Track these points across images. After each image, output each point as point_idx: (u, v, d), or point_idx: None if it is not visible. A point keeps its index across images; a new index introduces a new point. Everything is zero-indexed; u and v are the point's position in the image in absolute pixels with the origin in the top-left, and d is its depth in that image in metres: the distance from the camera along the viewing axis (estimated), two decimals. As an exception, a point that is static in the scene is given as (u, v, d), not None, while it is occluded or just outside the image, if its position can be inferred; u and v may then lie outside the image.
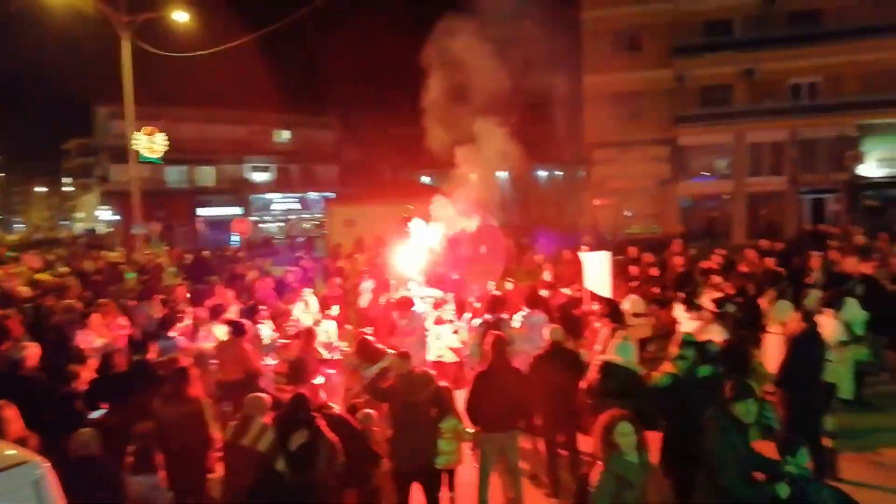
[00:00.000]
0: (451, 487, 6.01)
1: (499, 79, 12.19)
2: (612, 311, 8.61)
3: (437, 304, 9.40)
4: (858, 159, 27.63)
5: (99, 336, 8.20)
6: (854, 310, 8.13)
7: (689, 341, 5.69)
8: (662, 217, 30.50)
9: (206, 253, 21.73)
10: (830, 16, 28.19)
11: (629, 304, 9.59)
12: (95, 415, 6.09)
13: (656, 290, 11.04)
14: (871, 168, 28.02)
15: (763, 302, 8.73)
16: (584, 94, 30.40)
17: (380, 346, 6.96)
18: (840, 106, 27.70)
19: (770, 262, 12.16)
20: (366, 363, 6.72)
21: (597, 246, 11.24)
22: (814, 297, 8.59)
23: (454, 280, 11.67)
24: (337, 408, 5.91)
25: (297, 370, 7.11)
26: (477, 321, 8.39)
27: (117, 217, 44.50)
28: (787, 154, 29.09)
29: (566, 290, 10.31)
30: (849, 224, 21.42)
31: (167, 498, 5.24)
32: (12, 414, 4.83)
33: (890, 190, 28.37)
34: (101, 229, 52.28)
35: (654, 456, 5.42)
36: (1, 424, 4.69)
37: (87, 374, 6.67)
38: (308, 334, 8.02)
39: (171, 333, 8.42)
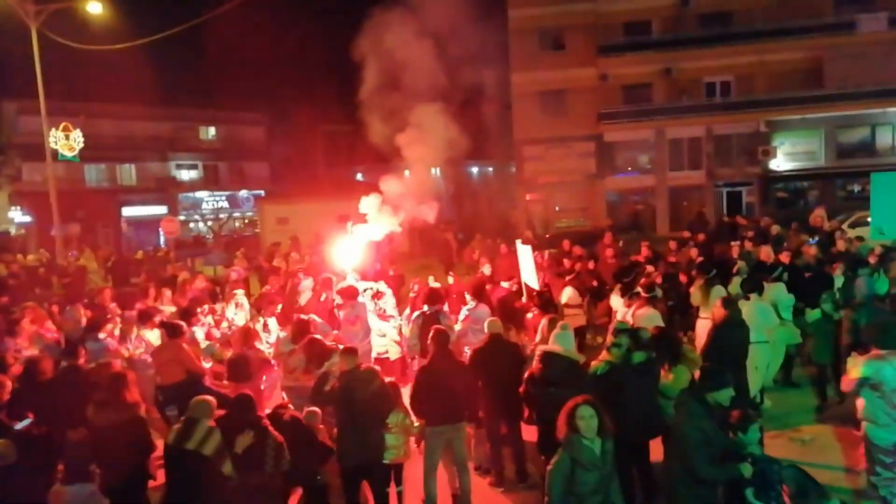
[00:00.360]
0: (399, 482, 6.06)
1: (429, 74, 12.32)
2: (542, 301, 9.02)
3: (376, 296, 9.49)
4: (769, 154, 29.46)
5: (30, 342, 7.90)
6: (781, 294, 8.56)
7: (622, 329, 5.91)
8: (590, 211, 31.55)
9: (139, 254, 20.94)
10: (740, 17, 29.78)
11: (565, 295, 9.98)
12: (21, 425, 5.86)
13: (593, 281, 11.56)
14: (781, 162, 29.93)
15: (693, 289, 9.14)
16: (513, 92, 31.03)
17: (328, 343, 6.94)
18: (751, 103, 29.36)
19: (693, 252, 12.93)
20: (314, 363, 6.64)
21: (525, 240, 11.63)
22: (736, 284, 9.16)
23: (391, 275, 11.82)
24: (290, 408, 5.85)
25: (239, 368, 7.02)
26: (416, 314, 8.49)
27: (29, 218, 42.00)
28: (704, 149, 30.63)
29: (505, 284, 10.61)
30: (762, 215, 22.82)
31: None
32: None
33: (798, 182, 30.42)
34: (13, 231, 49.18)
35: None
36: None
37: (10, 383, 6.35)
38: (246, 332, 7.89)
39: (99, 336, 8.17)
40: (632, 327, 6.30)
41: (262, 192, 42.05)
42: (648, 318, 7.49)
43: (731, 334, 6.55)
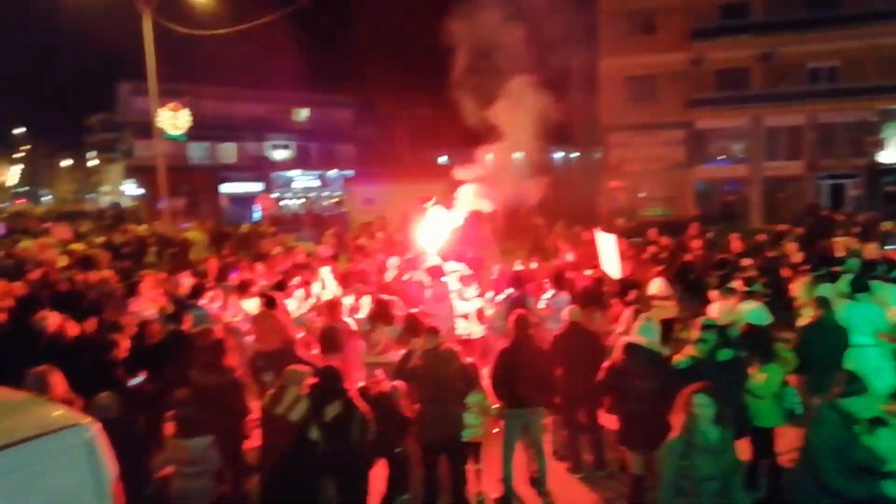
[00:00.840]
0: (478, 460, 6.25)
1: (517, 58, 12.32)
2: (625, 291, 8.88)
3: (463, 280, 9.73)
4: (878, 145, 27.37)
5: (147, 306, 8.65)
6: (893, 294, 7.84)
7: (709, 325, 5.77)
8: (677, 200, 30.49)
9: (245, 227, 22.09)
10: (851, -2, 27.78)
11: (654, 286, 9.61)
12: (133, 382, 6.46)
13: (690, 273, 11.13)
14: (891, 154, 27.76)
15: (796, 286, 8.65)
16: (601, 77, 30.30)
17: (397, 311, 7.09)
18: (860, 91, 27.32)
19: (791, 246, 12.31)
20: (380, 324, 6.87)
21: (612, 228, 11.45)
22: (845, 282, 8.66)
23: (475, 258, 12.00)
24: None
25: (329, 340, 7.44)
26: (501, 296, 8.59)
27: (142, 191, 45.17)
28: (805, 138, 28.86)
29: (588, 272, 10.53)
30: (869, 209, 21.38)
31: (219, 459, 5.45)
32: (56, 379, 5.12)
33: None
34: (126, 203, 53.19)
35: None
36: (45, 389, 4.94)
37: (126, 343, 6.92)
38: (332, 305, 8.24)
39: (201, 303, 8.81)
40: (720, 324, 6.09)
41: (351, 173, 43.33)
42: (753, 313, 7.08)
43: (820, 336, 6.29)
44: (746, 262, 10.75)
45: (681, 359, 5.76)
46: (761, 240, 13.53)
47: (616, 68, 29.82)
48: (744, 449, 5.60)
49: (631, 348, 5.46)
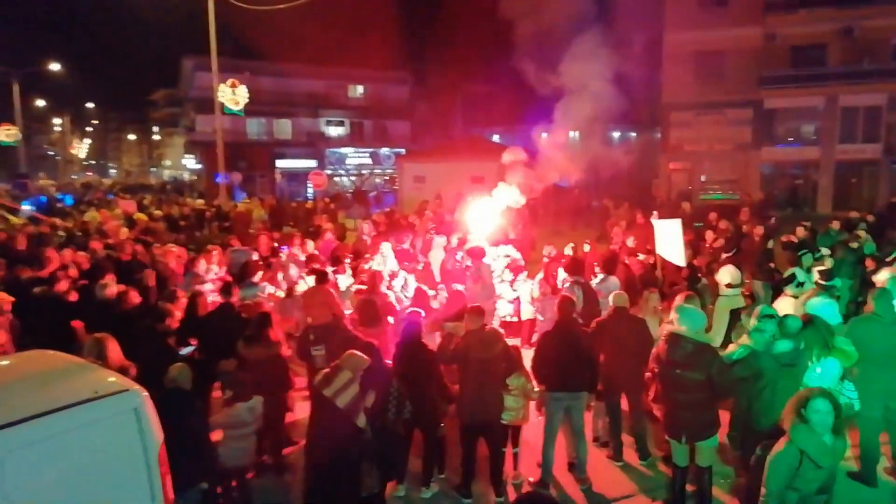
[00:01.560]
0: (516, 444, 6.20)
1: (576, 35, 11.97)
2: (688, 278, 8.54)
3: (513, 266, 9.60)
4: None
5: (204, 277, 8.93)
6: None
7: (767, 314, 5.53)
8: (741, 183, 29.30)
9: (310, 203, 22.42)
10: (946, -32, 25.70)
11: (726, 274, 9.23)
12: (185, 351, 6.63)
13: (770, 262, 10.58)
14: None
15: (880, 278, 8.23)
16: (665, 52, 29.15)
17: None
18: (948, 69, 25.52)
19: (861, 235, 11.62)
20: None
21: (670, 212, 11.06)
22: None
23: (524, 240, 11.84)
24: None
25: (366, 313, 7.51)
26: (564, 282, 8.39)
27: (200, 166, 46.50)
28: (884, 120, 27.15)
29: (641, 256, 10.26)
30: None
31: (259, 421, 5.62)
32: (113, 345, 5.29)
33: None
34: (186, 177, 54.93)
35: (722, 429, 5.46)
36: (103, 354, 5.13)
37: (179, 313, 7.09)
38: (373, 277, 8.35)
39: (254, 279, 8.96)
40: (779, 314, 5.75)
41: (403, 151, 43.42)
42: (822, 308, 6.55)
43: (874, 331, 5.87)
44: (825, 251, 10.19)
45: (734, 348, 5.56)
46: (835, 228, 12.78)
47: (681, 43, 28.60)
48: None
49: (673, 338, 5.24)
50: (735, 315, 8.30)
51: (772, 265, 10.50)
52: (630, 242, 10.90)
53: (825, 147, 28.14)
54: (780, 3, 27.52)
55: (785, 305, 7.31)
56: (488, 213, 11.02)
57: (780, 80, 27.95)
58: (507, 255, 9.91)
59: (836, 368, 5.49)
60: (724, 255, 10.15)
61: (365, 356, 5.25)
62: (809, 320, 5.77)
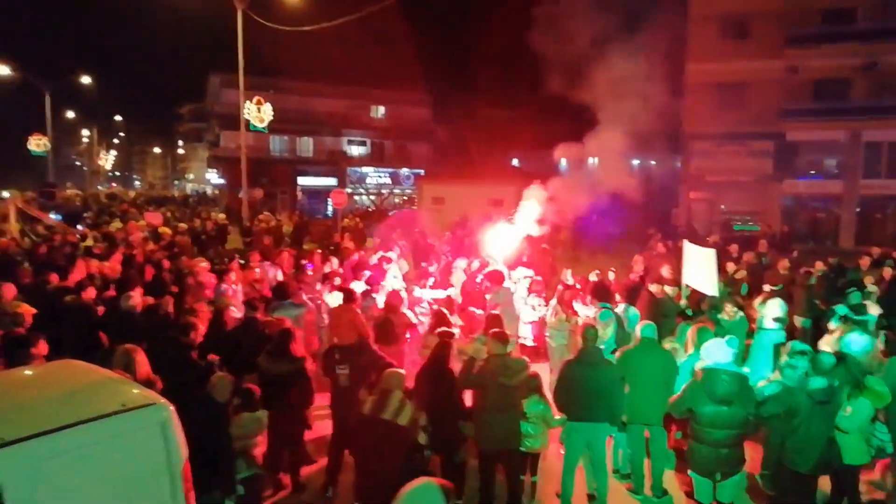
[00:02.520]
0: (534, 472, 6.13)
1: (600, 62, 12.07)
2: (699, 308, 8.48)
3: (533, 287, 9.55)
4: None
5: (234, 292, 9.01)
6: None
7: (800, 350, 5.45)
8: (762, 215, 29.06)
9: (346, 221, 22.51)
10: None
11: (774, 308, 9.11)
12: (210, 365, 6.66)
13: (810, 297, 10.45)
14: None
15: None
16: (686, 82, 29.19)
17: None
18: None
19: (887, 271, 11.47)
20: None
21: (698, 242, 10.93)
22: None
23: (544, 265, 11.80)
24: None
25: (384, 332, 7.56)
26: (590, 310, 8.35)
27: (223, 180, 47.07)
28: (909, 156, 26.92)
29: (653, 287, 10.10)
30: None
31: (264, 427, 5.68)
32: (141, 358, 5.35)
33: None
34: (209, 191, 55.60)
35: (754, 466, 5.43)
36: (131, 366, 5.19)
37: (202, 327, 7.14)
38: (392, 297, 8.37)
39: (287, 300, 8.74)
40: (812, 350, 5.71)
41: (422, 171, 43.70)
42: (859, 345, 6.49)
43: None
44: (871, 288, 10.06)
45: (765, 384, 5.44)
46: (864, 264, 12.59)
47: (703, 74, 28.63)
48: (826, 486, 5.27)
49: (712, 373, 5.13)
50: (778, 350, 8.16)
51: (816, 301, 10.34)
52: (666, 272, 10.62)
53: (848, 181, 27.88)
54: (802, 36, 27.49)
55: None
56: (508, 238, 11.02)
57: (802, 114, 27.81)
58: (528, 277, 9.88)
59: (868, 409, 5.39)
60: (769, 288, 10.01)
61: (402, 372, 5.28)
62: (842, 358, 5.69)
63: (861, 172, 27.66)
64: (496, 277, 9.23)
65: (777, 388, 5.28)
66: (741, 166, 29.09)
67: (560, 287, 10.06)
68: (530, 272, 10.14)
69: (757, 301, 9.57)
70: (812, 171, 29.33)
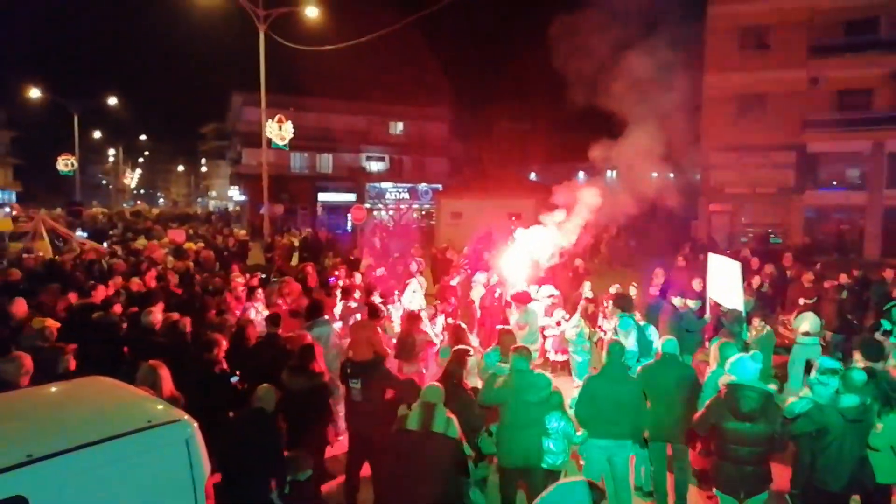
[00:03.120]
0: None
1: (617, 75, 12.05)
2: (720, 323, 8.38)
3: (558, 303, 9.53)
4: None
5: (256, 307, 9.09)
6: None
7: (830, 367, 5.32)
8: (783, 227, 28.70)
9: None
10: None
11: (805, 322, 9.01)
12: (234, 380, 6.69)
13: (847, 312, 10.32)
14: None
15: None
16: (705, 93, 29.01)
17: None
18: None
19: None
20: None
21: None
22: None
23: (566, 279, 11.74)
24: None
25: (405, 348, 7.57)
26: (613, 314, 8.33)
27: (244, 197, 47.64)
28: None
29: (676, 301, 10.00)
30: None
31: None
32: (166, 374, 5.41)
33: None
34: (230, 207, 56.29)
35: (783, 483, 5.31)
36: (156, 382, 5.25)
37: (224, 342, 7.09)
38: (411, 316, 8.38)
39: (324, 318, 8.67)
40: (843, 367, 5.51)
41: (440, 186, 43.85)
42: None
43: None
44: None
45: (794, 401, 5.31)
46: (888, 277, 12.37)
47: (722, 85, 28.45)
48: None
49: (737, 389, 5.03)
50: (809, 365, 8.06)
51: (849, 316, 10.19)
52: (696, 286, 10.52)
53: (872, 192, 27.42)
54: (824, 46, 27.26)
55: None
56: (528, 255, 10.96)
57: (824, 125, 27.50)
58: (552, 296, 9.87)
59: None
60: (803, 302, 9.86)
61: (440, 386, 5.29)
62: (872, 374, 5.54)
63: (885, 183, 27.21)
64: (522, 298, 9.18)
65: (808, 405, 5.13)
66: (762, 178, 28.76)
67: (583, 302, 10.03)
68: (555, 290, 10.12)
69: (793, 316, 9.44)
70: (834, 183, 28.91)
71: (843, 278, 12.11)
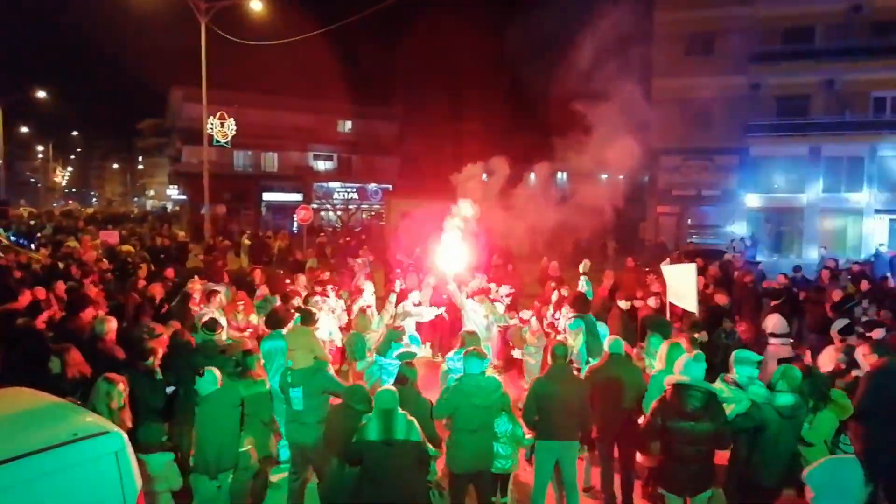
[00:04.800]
0: (505, 493, 5.99)
1: (568, 78, 12.09)
2: (690, 324, 8.40)
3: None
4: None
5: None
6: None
7: (747, 358, 5.50)
8: (728, 229, 29.66)
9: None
10: (924, 26, 26.68)
11: (771, 323, 9.12)
12: (170, 390, 6.22)
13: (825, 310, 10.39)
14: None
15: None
16: (653, 98, 29.64)
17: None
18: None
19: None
20: None
21: (660, 255, 10.97)
22: None
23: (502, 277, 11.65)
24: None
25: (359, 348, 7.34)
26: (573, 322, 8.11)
27: (184, 196, 45.98)
28: (866, 170, 27.78)
29: (622, 303, 9.96)
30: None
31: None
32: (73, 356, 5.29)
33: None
34: (169, 207, 54.29)
35: (719, 480, 5.33)
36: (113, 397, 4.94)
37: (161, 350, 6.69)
38: (362, 314, 8.30)
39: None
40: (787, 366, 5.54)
41: (390, 186, 43.44)
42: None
43: (885, 384, 5.59)
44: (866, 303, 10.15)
45: (725, 393, 5.37)
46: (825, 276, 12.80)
47: (669, 90, 29.13)
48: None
49: (682, 389, 5.07)
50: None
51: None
52: (652, 303, 10.11)
53: (810, 195, 28.62)
54: (764, 54, 28.29)
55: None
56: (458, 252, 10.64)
57: (765, 129, 28.56)
58: (510, 294, 9.72)
59: (833, 422, 5.47)
60: (773, 303, 10.00)
61: (395, 389, 5.14)
62: (806, 371, 5.69)
63: (822, 186, 28.42)
64: (483, 292, 9.15)
65: (747, 405, 5.20)
66: (707, 180, 29.65)
67: (536, 303, 9.96)
68: (511, 289, 10.01)
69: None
70: (776, 186, 30.02)
71: (782, 279, 12.43)
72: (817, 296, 11.22)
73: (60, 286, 9.55)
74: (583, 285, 9.66)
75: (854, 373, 6.15)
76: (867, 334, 7.37)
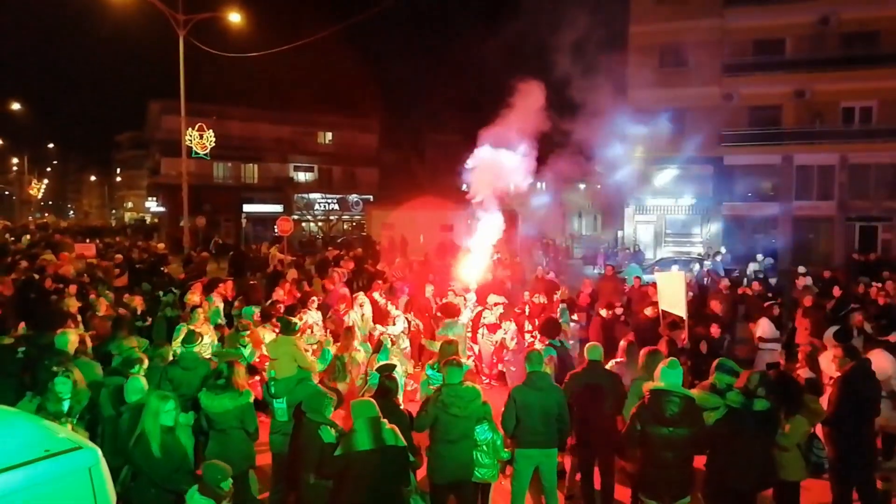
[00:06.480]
0: (486, 502, 5.98)
1: (543, 89, 12.23)
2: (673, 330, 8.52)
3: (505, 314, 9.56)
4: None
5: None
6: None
7: (728, 368, 5.56)
8: (703, 237, 30.06)
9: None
10: (888, 38, 27.35)
11: (760, 328, 9.28)
12: None
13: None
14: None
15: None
16: (629, 108, 30.03)
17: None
18: (895, 132, 26.86)
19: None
20: None
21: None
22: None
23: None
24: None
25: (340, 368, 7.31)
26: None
27: (163, 209, 45.47)
28: (836, 179, 28.38)
29: (603, 312, 10.07)
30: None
31: None
32: None
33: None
34: (148, 219, 53.61)
35: (699, 486, 5.36)
36: None
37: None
38: (348, 332, 8.19)
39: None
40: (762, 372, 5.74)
41: (371, 197, 43.40)
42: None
43: (857, 389, 5.90)
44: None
45: (704, 398, 5.45)
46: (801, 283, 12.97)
47: (644, 100, 29.52)
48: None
49: (660, 394, 5.11)
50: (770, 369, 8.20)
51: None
52: (649, 312, 10.38)
53: (783, 204, 29.12)
54: (736, 65, 28.77)
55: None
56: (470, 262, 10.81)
57: (738, 139, 29.02)
58: (498, 304, 9.83)
59: (804, 426, 5.54)
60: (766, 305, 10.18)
61: (373, 401, 5.12)
62: (778, 376, 5.79)
63: (794, 195, 28.93)
64: (448, 310, 9.12)
65: (724, 411, 5.27)
66: (682, 189, 30.06)
67: (517, 310, 10.03)
68: (501, 298, 10.11)
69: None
70: (749, 194, 30.47)
71: (756, 286, 12.66)
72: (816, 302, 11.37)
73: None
74: (559, 314, 9.82)
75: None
76: (880, 339, 7.51)
